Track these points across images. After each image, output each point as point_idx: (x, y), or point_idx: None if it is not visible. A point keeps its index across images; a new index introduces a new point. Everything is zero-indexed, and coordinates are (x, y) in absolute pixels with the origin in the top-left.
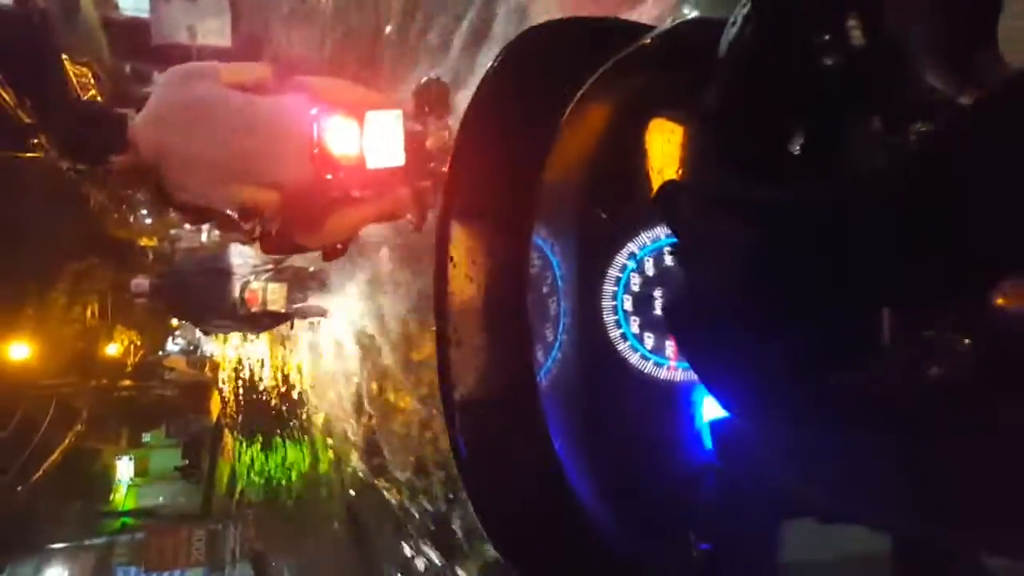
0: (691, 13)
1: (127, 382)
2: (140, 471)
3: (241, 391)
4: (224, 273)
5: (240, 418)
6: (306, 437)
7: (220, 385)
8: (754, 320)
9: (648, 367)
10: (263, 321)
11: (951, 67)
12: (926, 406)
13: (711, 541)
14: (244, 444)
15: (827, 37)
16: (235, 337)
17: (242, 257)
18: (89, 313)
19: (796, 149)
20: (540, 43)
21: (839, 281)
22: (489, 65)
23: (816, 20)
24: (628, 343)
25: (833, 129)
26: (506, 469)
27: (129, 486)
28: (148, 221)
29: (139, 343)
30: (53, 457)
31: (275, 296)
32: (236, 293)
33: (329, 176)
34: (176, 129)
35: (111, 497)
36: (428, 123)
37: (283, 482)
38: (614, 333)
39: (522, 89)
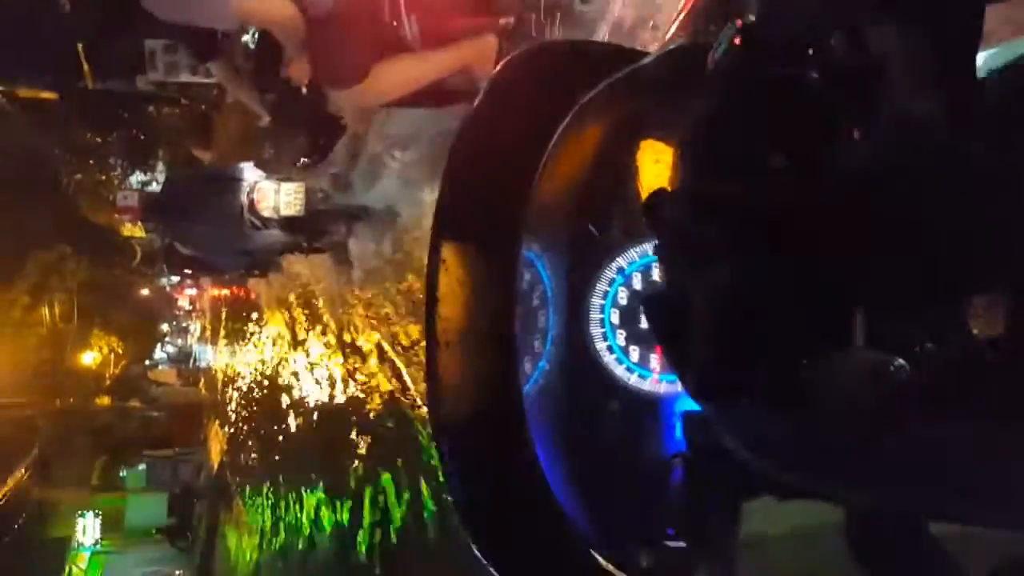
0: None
1: (102, 401)
2: (110, 528)
3: (252, 416)
4: (229, 180)
5: (252, 459)
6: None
7: (225, 406)
8: (730, 314)
9: (632, 379)
10: (275, 232)
11: (928, 88)
12: (888, 404)
13: (677, 525)
14: (261, 499)
15: (810, 57)
16: (240, 345)
17: (250, 168)
18: (58, 314)
19: (778, 161)
20: (533, 64)
21: (814, 283)
22: (483, 86)
23: (801, 40)
24: (614, 356)
25: (813, 143)
26: (490, 477)
27: (93, 554)
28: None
29: (120, 351)
30: None
31: (291, 198)
32: (244, 197)
33: None
34: None
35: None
36: None
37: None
38: (600, 345)
39: (515, 107)
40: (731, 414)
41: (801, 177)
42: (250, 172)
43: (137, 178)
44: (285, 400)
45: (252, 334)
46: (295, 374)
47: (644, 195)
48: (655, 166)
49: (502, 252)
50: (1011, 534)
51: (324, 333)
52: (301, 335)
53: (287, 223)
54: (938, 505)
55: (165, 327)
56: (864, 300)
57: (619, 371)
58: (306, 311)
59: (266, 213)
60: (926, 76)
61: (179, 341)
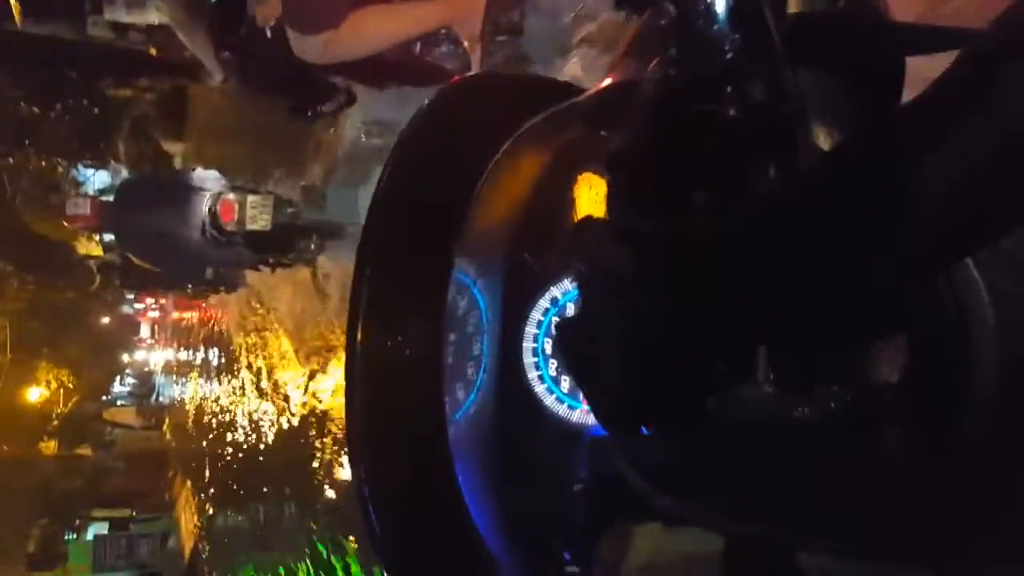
0: None
1: (47, 447)
2: None
3: (230, 471)
4: (189, 188)
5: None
6: None
7: (195, 456)
8: (640, 344)
9: (562, 410)
10: (239, 249)
11: (849, 126)
12: (784, 442)
13: (573, 550)
14: None
15: (731, 95)
16: (211, 379)
17: (213, 177)
18: None
19: (698, 197)
20: (472, 92)
21: (721, 318)
22: (416, 111)
23: (722, 79)
24: (545, 385)
25: (729, 180)
26: (415, 520)
27: None
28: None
29: (72, 386)
30: None
31: (258, 211)
32: (205, 208)
33: None
34: None
35: None
36: None
37: None
38: (532, 375)
39: (452, 132)
40: (630, 441)
41: (714, 214)
42: (213, 181)
43: (91, 174)
44: (268, 452)
45: (223, 368)
46: (279, 417)
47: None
48: (592, 198)
49: (431, 278)
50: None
51: (310, 376)
52: (279, 372)
53: (252, 238)
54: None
55: (125, 357)
56: (770, 339)
57: (549, 401)
58: (277, 348)
59: (230, 227)
60: (846, 116)
61: (140, 373)
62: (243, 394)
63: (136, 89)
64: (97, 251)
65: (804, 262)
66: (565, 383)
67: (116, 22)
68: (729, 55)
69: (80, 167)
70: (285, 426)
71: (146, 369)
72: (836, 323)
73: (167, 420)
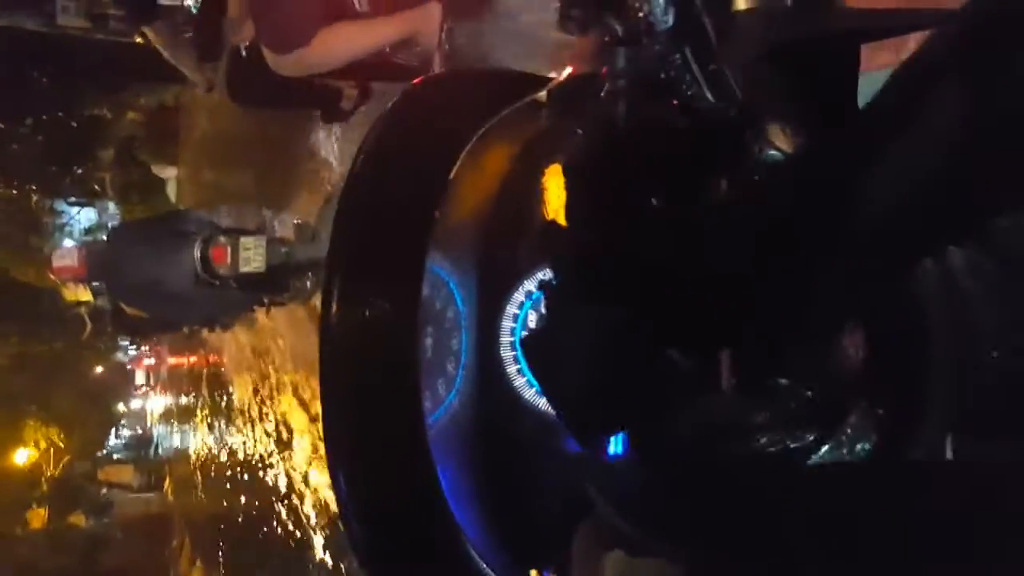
0: None
1: (35, 516)
2: None
3: (242, 532)
4: (180, 233)
5: None
6: None
7: (202, 522)
8: (607, 356)
9: (542, 403)
10: (233, 291)
11: (802, 129)
12: (749, 463)
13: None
14: None
15: (683, 105)
16: (215, 426)
17: (204, 220)
18: None
19: (654, 201)
20: (439, 89)
21: (684, 324)
22: (384, 108)
23: (672, 88)
24: (525, 379)
25: (687, 183)
26: (394, 518)
27: None
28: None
29: (62, 444)
30: None
31: (251, 252)
32: (196, 252)
33: None
34: None
35: None
36: None
37: None
38: (511, 368)
39: (416, 130)
40: (599, 467)
41: (671, 220)
42: (202, 224)
43: (75, 212)
44: (281, 511)
45: (225, 415)
46: (294, 472)
47: (550, 220)
48: (561, 190)
49: (404, 273)
50: None
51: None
52: (286, 418)
53: (245, 280)
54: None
55: (120, 407)
56: (732, 342)
57: (528, 394)
58: (280, 392)
59: (223, 272)
60: (803, 112)
61: (137, 426)
62: (251, 444)
63: (121, 105)
64: (86, 296)
65: (764, 261)
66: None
67: (96, 14)
68: (673, 66)
69: (63, 203)
70: (297, 479)
71: (143, 419)
72: (798, 318)
73: (168, 477)
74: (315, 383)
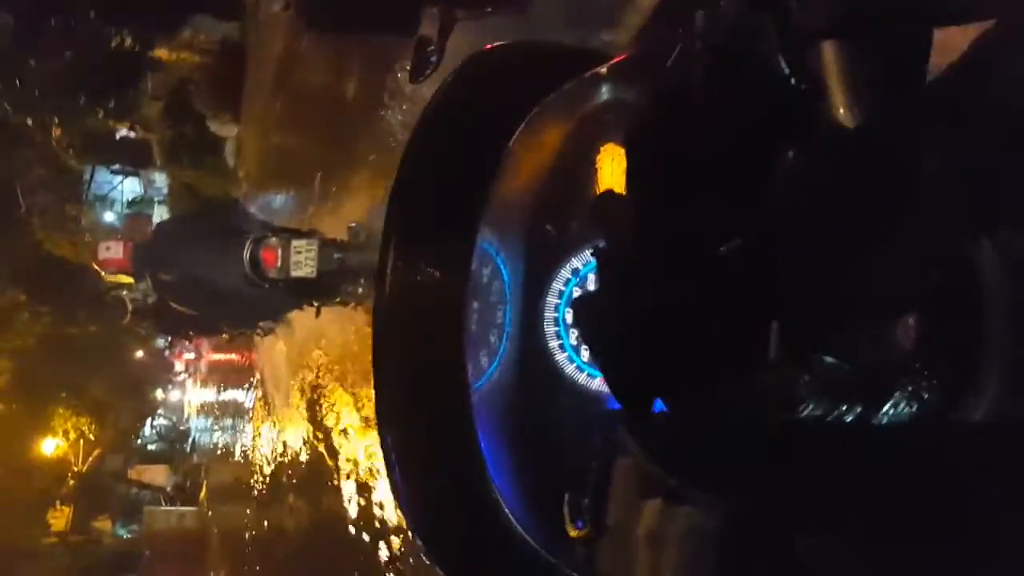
0: None
1: (58, 515)
2: None
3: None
4: (230, 231)
5: None
6: None
7: (244, 549)
8: (660, 324)
9: (583, 378)
10: (282, 294)
11: (872, 105)
12: (789, 426)
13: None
14: None
15: (757, 74)
16: (266, 428)
17: (255, 219)
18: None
19: (719, 177)
20: (496, 60)
21: (739, 298)
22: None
23: (747, 56)
24: (566, 354)
25: (755, 160)
26: (437, 480)
27: None
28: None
29: (94, 436)
30: None
31: (303, 256)
32: (246, 254)
33: None
34: None
35: None
36: None
37: None
38: (553, 343)
39: (475, 102)
40: (640, 422)
41: (735, 201)
42: (255, 223)
43: (117, 182)
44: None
45: (270, 416)
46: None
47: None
48: (614, 169)
49: (457, 245)
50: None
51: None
52: (339, 425)
53: (296, 284)
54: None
55: (159, 394)
56: (783, 315)
57: (570, 369)
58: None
59: (272, 274)
60: (871, 91)
61: (173, 416)
62: (301, 452)
63: (177, 43)
64: (129, 279)
65: (827, 237)
66: (585, 352)
67: None
68: (749, 35)
69: (105, 170)
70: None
71: (180, 411)
72: (854, 294)
73: (204, 483)
74: (367, 390)
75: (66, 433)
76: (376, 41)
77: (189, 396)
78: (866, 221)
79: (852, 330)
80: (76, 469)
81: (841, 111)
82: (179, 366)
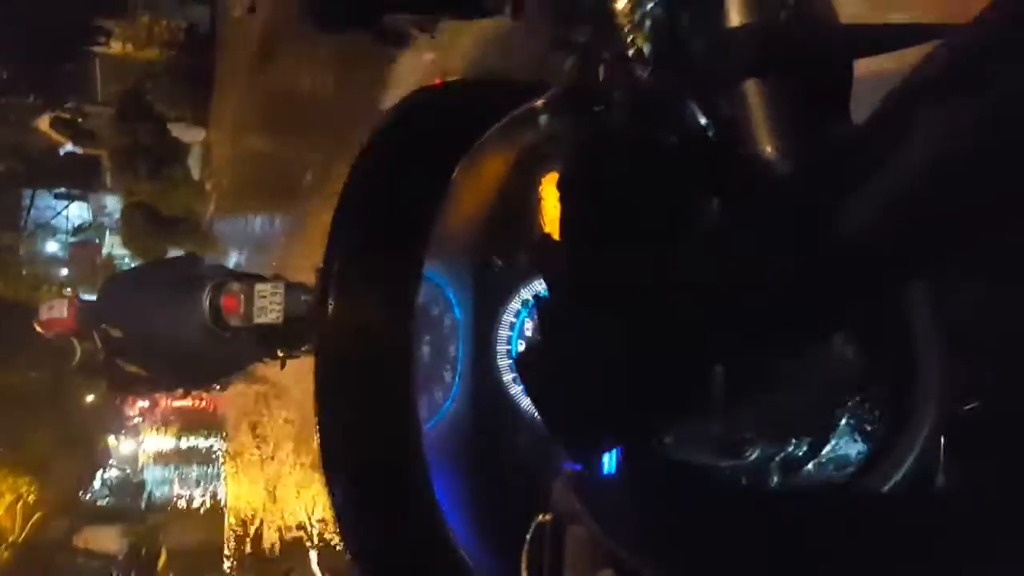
0: None
1: None
2: None
3: None
4: (187, 279)
5: None
6: None
7: None
8: (598, 373)
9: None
10: (244, 344)
11: (795, 144)
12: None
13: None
14: None
15: (675, 125)
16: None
17: (214, 265)
18: None
19: (647, 224)
20: (435, 96)
21: (676, 340)
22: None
23: (665, 108)
24: (520, 387)
25: (680, 204)
26: (386, 524)
27: None
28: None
29: (33, 496)
30: None
31: (267, 301)
32: (205, 302)
33: None
34: None
35: None
36: None
37: None
38: (507, 377)
39: (416, 137)
40: (588, 486)
41: (664, 240)
42: (215, 268)
43: (62, 207)
44: None
45: (234, 467)
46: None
47: (547, 229)
48: (556, 201)
49: (400, 281)
50: None
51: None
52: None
53: (260, 331)
54: None
55: (109, 442)
56: (723, 357)
57: (525, 403)
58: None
59: (234, 322)
60: (794, 127)
61: (126, 464)
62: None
63: (134, 31)
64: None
65: (754, 277)
66: None
67: None
68: (664, 88)
69: (49, 195)
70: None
71: (133, 461)
72: (788, 332)
73: (163, 550)
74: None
75: (1, 496)
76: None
77: (143, 443)
78: (794, 259)
79: (789, 370)
80: (11, 538)
81: (767, 149)
82: (133, 412)
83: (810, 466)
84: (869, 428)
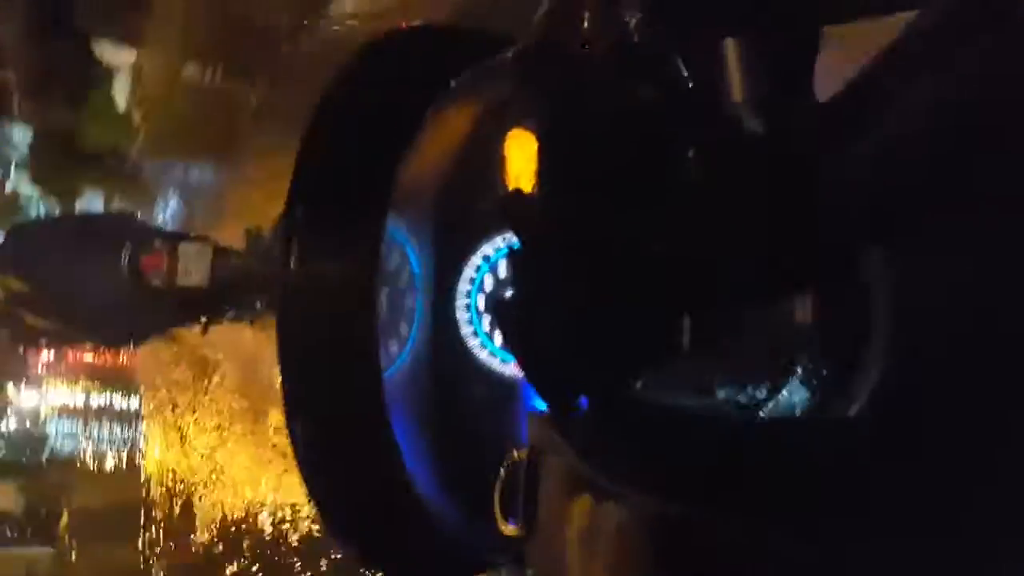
0: None
1: None
2: None
3: None
4: (105, 235)
5: None
6: None
7: None
8: (575, 322)
9: (495, 364)
10: (166, 307)
11: (762, 107)
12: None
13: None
14: None
15: (652, 81)
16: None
17: (136, 221)
18: None
19: (626, 177)
20: (402, 43)
21: (650, 288)
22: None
23: (643, 66)
24: (478, 340)
25: (656, 158)
26: (348, 468)
27: None
28: None
29: None
30: None
31: (191, 262)
32: (124, 260)
33: None
34: None
35: None
36: None
37: None
38: (466, 330)
39: (378, 86)
40: (565, 418)
41: (640, 195)
42: (135, 227)
43: None
44: None
45: (143, 423)
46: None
47: (511, 184)
48: (522, 156)
49: (362, 235)
50: None
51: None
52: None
53: (183, 294)
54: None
55: (11, 389)
56: (693, 306)
57: (483, 355)
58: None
59: (156, 283)
60: (763, 91)
61: (27, 418)
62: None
63: None
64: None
65: (727, 231)
66: (498, 337)
67: None
68: (648, 40)
69: None
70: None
71: (34, 415)
72: (756, 285)
73: (65, 512)
74: (258, 408)
75: None
76: None
77: (49, 396)
78: (762, 215)
79: (753, 317)
80: None
81: (740, 103)
82: (38, 361)
83: (766, 410)
84: (816, 381)
